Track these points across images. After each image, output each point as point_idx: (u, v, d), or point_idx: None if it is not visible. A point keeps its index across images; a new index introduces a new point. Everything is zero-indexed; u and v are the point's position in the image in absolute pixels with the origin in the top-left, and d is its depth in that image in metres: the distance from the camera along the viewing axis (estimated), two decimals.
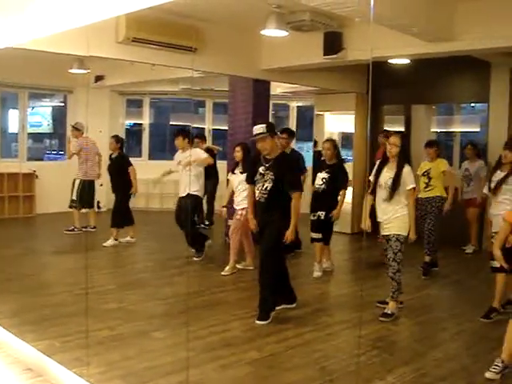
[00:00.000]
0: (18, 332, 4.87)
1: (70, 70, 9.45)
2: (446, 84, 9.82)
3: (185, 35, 7.31)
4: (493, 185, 6.01)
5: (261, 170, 5.75)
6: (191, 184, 8.10)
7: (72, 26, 4.20)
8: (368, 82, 9.99)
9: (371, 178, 6.09)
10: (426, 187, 7.63)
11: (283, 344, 5.01)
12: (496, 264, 5.38)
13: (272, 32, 7.03)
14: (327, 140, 7.74)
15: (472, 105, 11.80)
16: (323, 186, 7.26)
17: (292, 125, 13.37)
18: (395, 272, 5.78)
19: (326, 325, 5.60)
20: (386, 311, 5.76)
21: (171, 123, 15.21)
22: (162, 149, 14.60)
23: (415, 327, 5.68)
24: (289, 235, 5.55)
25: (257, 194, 5.77)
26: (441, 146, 7.97)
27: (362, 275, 7.60)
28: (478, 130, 11.27)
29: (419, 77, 9.66)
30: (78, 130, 10.01)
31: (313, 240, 7.44)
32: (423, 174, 7.69)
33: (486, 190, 6.31)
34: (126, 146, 13.10)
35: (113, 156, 9.29)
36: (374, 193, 6.00)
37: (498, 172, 6.04)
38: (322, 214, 7.23)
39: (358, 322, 5.62)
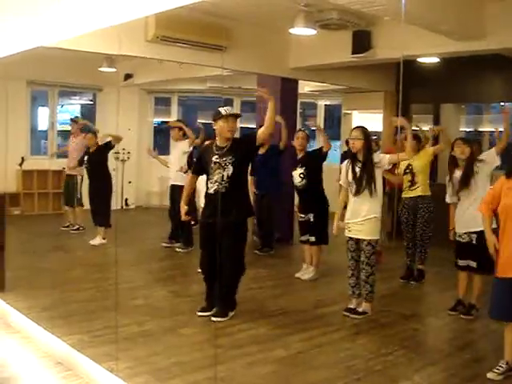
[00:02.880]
0: (49, 326, 4.94)
1: (100, 69, 9.55)
2: (476, 83, 9.71)
3: (214, 34, 7.36)
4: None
5: (214, 159, 5.44)
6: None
7: (103, 26, 4.26)
8: (397, 80, 9.94)
9: (341, 180, 5.81)
10: (410, 186, 6.98)
11: (309, 342, 5.01)
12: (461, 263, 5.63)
13: (300, 30, 7.04)
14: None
15: (502, 104, 11.65)
16: None
17: (320, 123, 13.32)
18: (369, 276, 5.62)
19: (352, 324, 5.59)
20: (357, 309, 5.68)
21: (199, 121, 15.26)
22: None
23: (442, 328, 5.64)
24: None
25: (210, 186, 5.48)
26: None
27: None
28: None
29: (448, 75, 9.58)
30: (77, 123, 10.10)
31: None
32: (405, 172, 6.99)
33: (449, 199, 5.85)
34: (153, 144, 13.29)
35: (91, 150, 9.06)
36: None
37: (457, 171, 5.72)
38: None
39: (384, 321, 5.62)
